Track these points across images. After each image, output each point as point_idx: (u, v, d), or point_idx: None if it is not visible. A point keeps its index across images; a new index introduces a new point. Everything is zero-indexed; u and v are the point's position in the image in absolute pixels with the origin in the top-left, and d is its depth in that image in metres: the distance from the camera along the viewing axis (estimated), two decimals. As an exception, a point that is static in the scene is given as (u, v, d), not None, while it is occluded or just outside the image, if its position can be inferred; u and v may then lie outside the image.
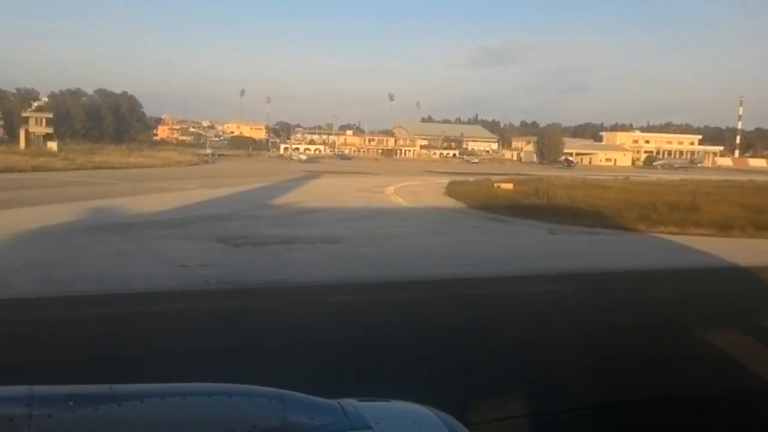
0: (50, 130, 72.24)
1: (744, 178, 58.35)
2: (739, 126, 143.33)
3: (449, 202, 33.22)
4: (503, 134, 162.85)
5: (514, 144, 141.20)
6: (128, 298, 11.12)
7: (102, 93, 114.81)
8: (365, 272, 14.19)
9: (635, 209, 26.88)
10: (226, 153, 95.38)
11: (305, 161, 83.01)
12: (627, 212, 26.10)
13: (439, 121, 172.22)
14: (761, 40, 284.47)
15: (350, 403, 1.94)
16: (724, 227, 22.45)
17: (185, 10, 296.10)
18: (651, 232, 22.66)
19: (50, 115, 74.86)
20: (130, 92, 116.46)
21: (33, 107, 79.76)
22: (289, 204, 29.09)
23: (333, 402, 1.92)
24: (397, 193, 38.02)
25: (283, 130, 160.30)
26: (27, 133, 68.72)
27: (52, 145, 65.76)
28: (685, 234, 22.09)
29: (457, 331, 9.60)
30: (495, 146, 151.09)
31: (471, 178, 48.96)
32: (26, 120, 72.36)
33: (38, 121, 73.61)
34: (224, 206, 26.76)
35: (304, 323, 9.85)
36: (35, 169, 44.66)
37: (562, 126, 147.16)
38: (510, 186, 40.00)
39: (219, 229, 19.89)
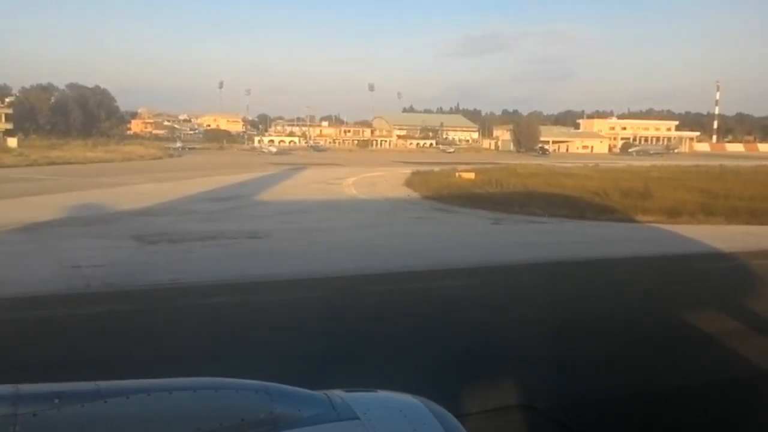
0: (10, 126, 70.40)
1: (717, 163, 57.99)
2: (716, 111, 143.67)
3: (404, 193, 32.32)
4: (485, 123, 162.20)
5: (495, 133, 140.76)
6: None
7: (73, 87, 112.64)
8: (264, 270, 13.20)
9: (589, 197, 26.42)
10: (197, 146, 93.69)
11: (275, 153, 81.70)
12: (579, 200, 25.52)
13: (420, 112, 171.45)
14: (742, 25, 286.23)
15: (337, 394, 1.93)
16: (672, 213, 21.91)
17: (170, 5, 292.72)
18: (598, 220, 22.01)
19: (10, 111, 73.03)
20: (103, 86, 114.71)
21: (5, 103, 77.76)
22: (233, 197, 28.04)
23: (320, 393, 1.90)
24: (354, 184, 37.02)
25: (262, 123, 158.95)
26: (-14, 129, 67.18)
27: (12, 141, 64.15)
28: (631, 222, 21.52)
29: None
30: (475, 135, 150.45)
31: (437, 168, 48.02)
32: (-15, 116, 70.73)
33: (-4, 117, 71.87)
34: (161, 201, 25.62)
35: (145, 333, 8.85)
36: (-19, 165, 42.97)
37: (544, 114, 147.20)
38: (472, 175, 39.15)
39: (142, 226, 18.77)
